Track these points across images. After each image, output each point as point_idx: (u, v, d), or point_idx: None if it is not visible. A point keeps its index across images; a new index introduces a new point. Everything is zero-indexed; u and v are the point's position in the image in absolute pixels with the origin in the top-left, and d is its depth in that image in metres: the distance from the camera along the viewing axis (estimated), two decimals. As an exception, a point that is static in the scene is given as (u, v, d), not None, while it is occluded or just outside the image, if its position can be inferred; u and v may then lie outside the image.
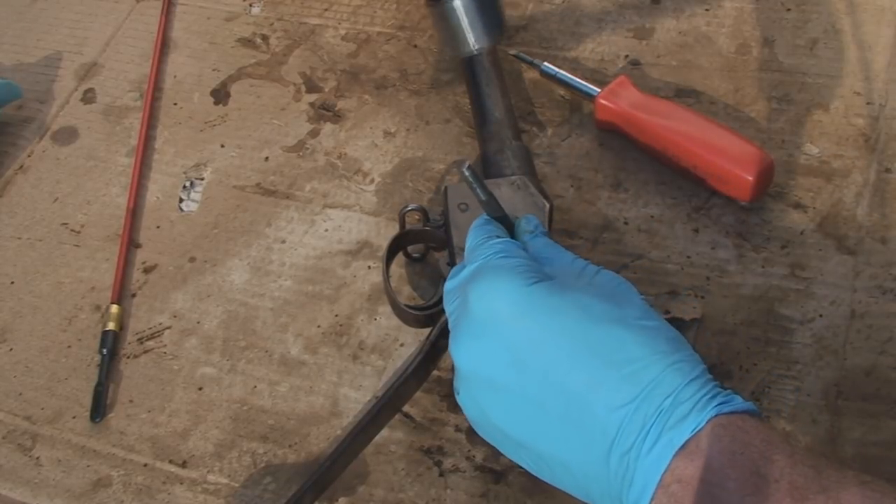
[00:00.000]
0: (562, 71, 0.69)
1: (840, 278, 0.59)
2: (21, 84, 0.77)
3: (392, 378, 0.59)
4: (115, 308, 0.64)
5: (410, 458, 0.56)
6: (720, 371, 0.56)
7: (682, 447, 0.39)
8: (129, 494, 0.57)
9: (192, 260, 0.67)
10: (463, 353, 0.46)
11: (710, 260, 0.61)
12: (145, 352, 0.63)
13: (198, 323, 0.64)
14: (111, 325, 0.63)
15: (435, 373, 0.58)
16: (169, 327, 0.64)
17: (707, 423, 0.39)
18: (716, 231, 0.62)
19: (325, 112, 0.74)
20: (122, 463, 0.58)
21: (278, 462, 0.57)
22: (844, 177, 0.63)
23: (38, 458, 0.59)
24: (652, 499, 0.39)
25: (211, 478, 0.57)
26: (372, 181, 0.69)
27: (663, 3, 0.75)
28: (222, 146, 0.73)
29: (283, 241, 0.67)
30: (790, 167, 0.64)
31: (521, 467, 0.47)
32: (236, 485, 0.57)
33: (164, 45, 0.81)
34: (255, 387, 0.60)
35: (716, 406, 0.40)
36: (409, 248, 0.63)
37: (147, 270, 0.67)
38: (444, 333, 0.54)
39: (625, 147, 0.67)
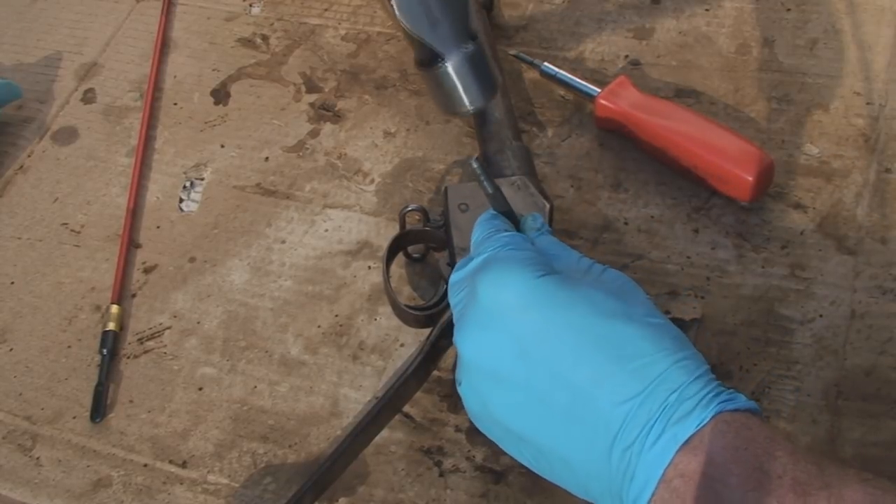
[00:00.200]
0: (562, 71, 0.69)
1: (840, 278, 0.59)
2: (21, 84, 0.77)
3: (392, 378, 0.59)
4: (115, 308, 0.64)
5: (410, 458, 0.56)
6: (720, 371, 0.56)
7: (686, 443, 0.39)
8: (129, 495, 0.57)
9: (192, 260, 0.67)
10: (468, 342, 0.46)
11: (710, 260, 0.61)
12: (145, 352, 0.63)
13: (198, 323, 0.64)
14: (111, 326, 0.63)
15: (435, 373, 0.58)
16: (169, 327, 0.64)
17: (711, 419, 0.39)
18: (716, 231, 0.62)
19: (325, 112, 0.74)
20: (122, 463, 0.58)
21: (278, 462, 0.57)
22: (844, 177, 0.63)
23: (38, 458, 0.59)
24: (653, 494, 0.39)
25: (211, 478, 0.57)
26: (372, 181, 0.69)
27: (663, 3, 0.75)
28: (222, 146, 0.73)
29: (283, 242, 0.67)
30: (790, 167, 0.64)
31: (521, 467, 0.47)
32: (236, 485, 0.57)
33: (164, 45, 0.81)
34: (256, 387, 0.60)
35: (720, 403, 0.40)
36: (410, 249, 0.63)
37: (147, 270, 0.67)
38: (445, 334, 0.54)
39: (625, 147, 0.67)
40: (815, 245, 0.60)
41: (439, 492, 0.54)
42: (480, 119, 0.65)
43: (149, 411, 0.60)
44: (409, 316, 0.57)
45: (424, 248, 0.64)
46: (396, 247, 0.61)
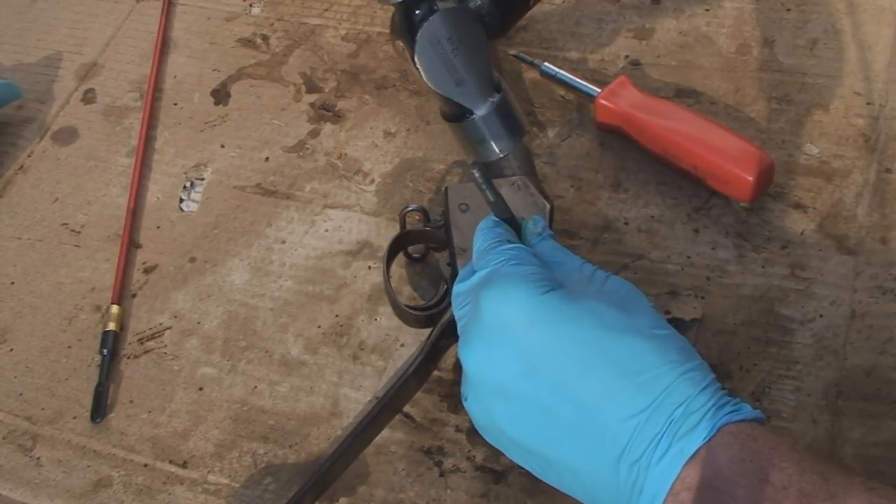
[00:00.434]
0: (562, 71, 0.69)
1: (840, 278, 0.59)
2: (21, 84, 0.77)
3: (392, 378, 0.59)
4: (115, 308, 0.64)
5: (411, 458, 0.56)
6: (720, 371, 0.56)
7: (692, 456, 0.39)
8: (129, 495, 0.57)
9: (193, 260, 0.67)
10: (474, 359, 0.46)
11: (711, 260, 0.61)
12: (146, 352, 0.63)
13: (198, 323, 0.64)
14: (111, 326, 0.63)
15: (435, 373, 0.58)
16: (169, 327, 0.64)
17: (717, 431, 0.40)
18: (716, 231, 0.62)
19: (326, 112, 0.74)
20: (122, 463, 0.58)
21: (279, 462, 0.57)
22: (844, 177, 0.63)
23: (38, 458, 0.59)
24: None
25: (211, 478, 0.57)
26: (372, 181, 0.69)
27: (663, 4, 0.75)
28: (222, 146, 0.73)
29: (284, 242, 0.67)
30: (790, 167, 0.64)
31: (521, 467, 0.47)
32: (237, 485, 0.57)
33: (164, 46, 0.81)
34: (256, 387, 0.60)
35: (726, 415, 0.40)
36: (410, 249, 0.63)
37: (147, 271, 0.67)
38: (445, 334, 0.54)
39: (625, 147, 0.67)
40: (815, 245, 0.60)
41: (440, 492, 0.54)
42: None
43: (149, 411, 0.60)
44: (410, 316, 0.57)
45: (425, 248, 0.64)
46: (397, 247, 0.61)
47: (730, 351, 0.57)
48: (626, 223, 0.63)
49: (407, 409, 0.57)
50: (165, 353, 0.63)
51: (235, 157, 0.73)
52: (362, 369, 0.60)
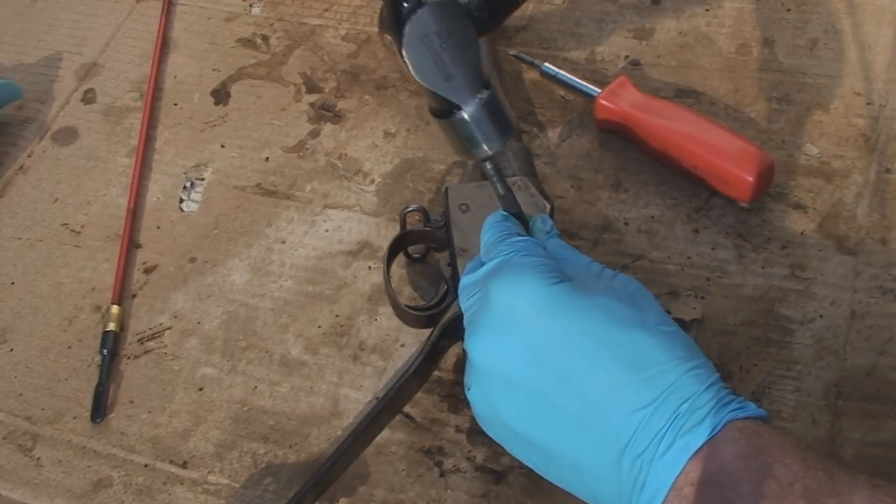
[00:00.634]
0: (562, 71, 0.69)
1: (840, 279, 0.59)
2: (21, 84, 0.77)
3: (393, 378, 0.59)
4: (115, 308, 0.64)
5: (411, 458, 0.56)
6: (721, 371, 0.55)
7: (697, 451, 0.39)
8: (129, 495, 0.57)
9: (193, 260, 0.67)
10: (480, 348, 0.46)
11: (711, 260, 0.61)
12: (146, 352, 0.63)
13: (198, 323, 0.64)
14: (112, 326, 0.63)
15: (436, 373, 0.58)
16: (169, 328, 0.64)
17: (722, 427, 0.40)
18: (716, 232, 0.62)
19: (326, 112, 0.74)
20: (122, 463, 0.58)
21: (279, 462, 0.57)
22: (844, 177, 0.63)
23: (38, 458, 0.59)
24: (664, 502, 0.39)
25: (211, 478, 0.57)
26: (372, 182, 0.69)
27: (663, 4, 0.75)
28: (222, 146, 0.73)
29: (284, 242, 0.67)
30: (790, 168, 0.64)
31: (522, 467, 0.47)
32: (237, 485, 0.57)
33: (164, 46, 0.81)
34: (256, 387, 0.60)
35: (731, 411, 0.40)
36: (410, 249, 0.63)
37: (147, 271, 0.67)
38: (445, 334, 0.54)
39: (625, 147, 0.67)
40: (815, 245, 0.60)
41: (440, 492, 0.54)
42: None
43: (149, 412, 0.60)
44: (410, 316, 0.57)
45: (425, 249, 0.64)
46: (397, 247, 0.61)
47: (730, 351, 0.57)
48: (626, 223, 0.63)
49: (407, 409, 0.57)
50: (165, 353, 0.63)
51: (235, 158, 0.73)
52: (362, 369, 0.60)
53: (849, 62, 0.69)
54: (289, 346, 0.62)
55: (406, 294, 0.63)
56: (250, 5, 0.83)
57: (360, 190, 0.69)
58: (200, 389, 0.61)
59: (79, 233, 0.70)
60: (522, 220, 0.52)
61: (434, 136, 0.71)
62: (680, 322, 0.58)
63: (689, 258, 0.61)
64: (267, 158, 0.72)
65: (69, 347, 0.64)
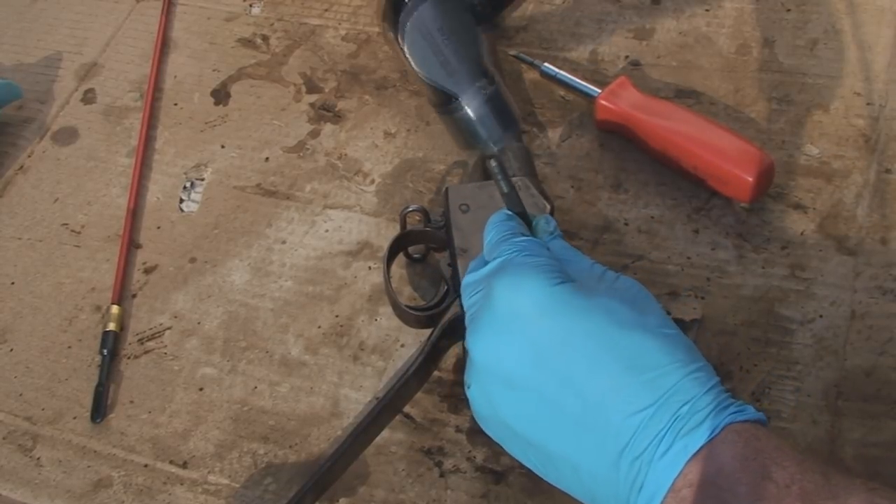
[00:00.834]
0: (562, 72, 0.69)
1: (840, 279, 0.59)
2: (21, 84, 0.77)
3: (393, 379, 0.59)
4: (115, 308, 0.64)
5: (411, 458, 0.56)
6: (721, 371, 0.56)
7: (696, 453, 0.39)
8: (129, 495, 0.57)
9: (193, 260, 0.67)
10: (481, 346, 0.46)
11: (711, 261, 0.61)
12: (146, 352, 0.63)
13: (198, 323, 0.64)
14: (112, 326, 0.63)
15: (436, 373, 0.58)
16: (169, 328, 0.64)
17: (721, 429, 0.40)
18: (716, 232, 0.62)
19: (326, 112, 0.74)
20: (122, 463, 0.58)
21: (279, 463, 0.57)
22: (844, 177, 0.63)
23: (38, 458, 0.59)
24: (662, 503, 0.39)
25: (211, 478, 0.57)
26: (372, 182, 0.69)
27: (663, 4, 0.75)
28: (223, 147, 0.73)
29: (284, 242, 0.67)
30: (790, 168, 0.64)
31: (522, 467, 0.47)
32: (237, 485, 0.57)
33: (164, 46, 0.81)
34: (256, 387, 0.60)
35: (730, 415, 0.40)
36: (410, 249, 0.63)
37: (147, 271, 0.67)
38: (445, 334, 0.54)
39: (625, 148, 0.67)
40: (815, 245, 0.60)
41: (440, 492, 0.54)
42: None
43: (149, 412, 0.60)
44: (410, 316, 0.57)
45: (425, 249, 0.64)
46: (397, 247, 0.61)
47: (730, 351, 0.57)
48: (626, 224, 0.63)
49: (407, 409, 0.57)
50: (165, 353, 0.63)
51: (235, 158, 0.73)
52: (362, 370, 0.60)
53: (849, 62, 0.69)
54: (289, 346, 0.62)
55: (406, 294, 0.63)
56: (250, 5, 0.83)
57: (360, 190, 0.69)
58: (200, 389, 0.61)
59: (79, 233, 0.70)
60: (526, 220, 0.52)
61: (434, 136, 0.71)
62: (680, 322, 0.58)
63: (689, 258, 0.61)
64: (267, 158, 0.72)
65: (69, 347, 0.64)
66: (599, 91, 0.66)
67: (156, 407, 0.61)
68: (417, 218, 0.61)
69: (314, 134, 0.73)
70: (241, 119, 0.75)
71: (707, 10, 0.74)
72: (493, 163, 0.50)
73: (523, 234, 0.50)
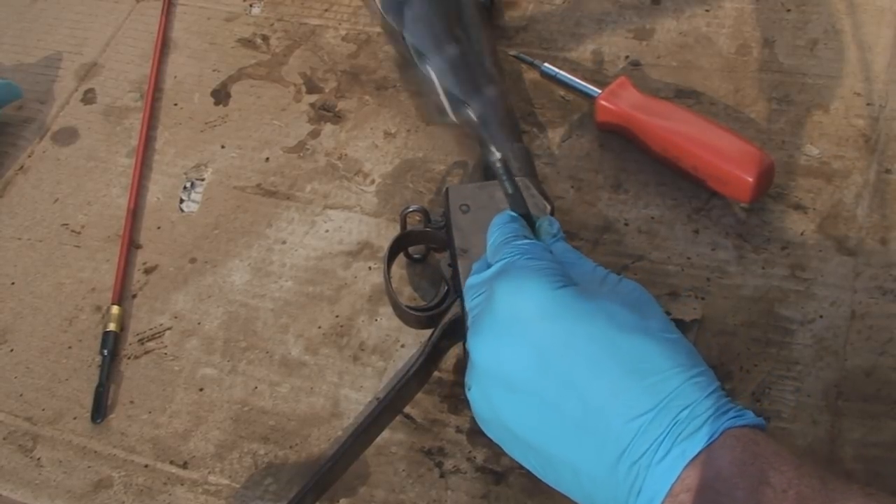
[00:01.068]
0: (562, 72, 0.69)
1: (840, 279, 0.59)
2: (21, 84, 0.77)
3: (393, 379, 0.59)
4: (115, 309, 0.64)
5: (411, 459, 0.56)
6: (720, 372, 0.56)
7: (694, 458, 0.39)
8: (129, 495, 0.57)
9: (193, 261, 0.67)
10: (482, 348, 0.46)
11: (711, 261, 0.61)
12: (146, 352, 0.63)
13: (198, 324, 0.64)
14: (112, 326, 0.63)
15: (436, 374, 0.58)
16: (170, 328, 0.64)
17: (720, 434, 0.40)
18: (716, 232, 0.62)
19: (326, 113, 0.74)
20: (122, 464, 0.59)
21: (279, 463, 0.57)
22: (844, 177, 0.63)
23: (38, 459, 0.59)
24: None
25: (212, 479, 0.57)
26: (372, 182, 0.69)
27: (663, 4, 0.75)
28: (223, 147, 0.73)
29: (284, 242, 0.67)
30: (790, 168, 0.64)
31: (522, 468, 0.48)
32: (237, 486, 0.57)
33: (164, 46, 0.81)
34: (256, 388, 0.61)
35: (729, 419, 0.40)
36: (410, 249, 0.63)
37: (148, 271, 0.67)
38: (446, 335, 0.54)
39: (625, 148, 0.67)
40: (815, 246, 0.60)
41: (440, 493, 0.54)
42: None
43: (149, 412, 0.60)
44: (411, 317, 0.57)
45: (425, 249, 0.64)
46: (397, 247, 0.61)
47: (730, 351, 0.57)
48: (627, 224, 0.63)
49: (407, 409, 0.57)
50: (166, 353, 0.63)
51: (235, 158, 0.73)
52: (363, 370, 0.60)
53: (849, 62, 0.69)
54: (289, 346, 0.62)
55: (406, 294, 0.63)
56: (250, 5, 0.83)
57: (360, 190, 0.69)
58: (201, 390, 0.61)
59: (79, 233, 0.70)
60: (529, 221, 0.52)
61: (434, 136, 0.71)
62: (680, 322, 0.58)
63: (689, 259, 0.61)
64: (267, 159, 0.72)
65: (69, 348, 0.64)
66: (599, 91, 0.66)
67: (156, 407, 0.61)
68: (417, 218, 0.61)
69: (314, 134, 0.73)
70: (241, 119, 0.75)
71: (707, 11, 0.74)
72: (498, 164, 0.50)
73: (526, 237, 0.50)
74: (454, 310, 0.54)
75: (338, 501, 0.55)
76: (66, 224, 0.71)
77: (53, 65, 0.81)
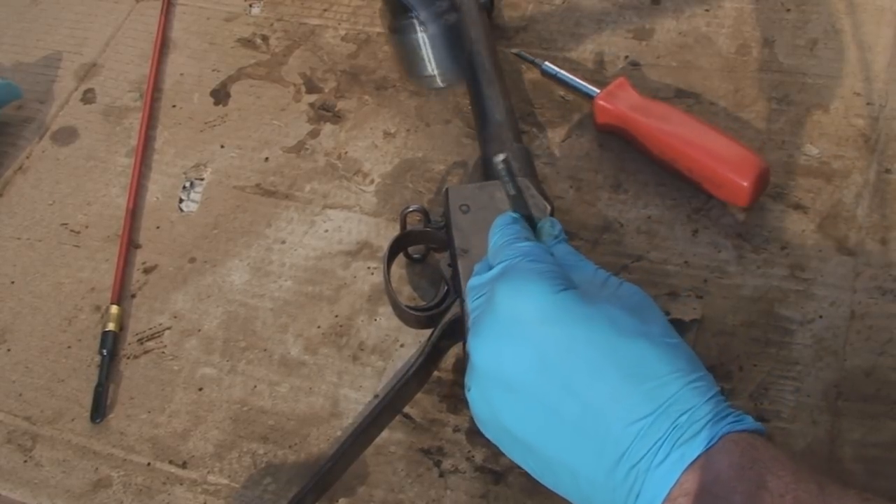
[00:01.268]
0: (562, 71, 0.69)
1: (840, 279, 0.59)
2: (21, 84, 0.77)
3: (392, 379, 0.59)
4: (114, 308, 0.64)
5: (410, 458, 0.56)
6: (720, 372, 0.56)
7: (693, 462, 0.39)
8: (129, 495, 0.57)
9: (192, 260, 0.67)
10: (482, 350, 0.46)
11: (710, 261, 0.61)
12: (145, 352, 0.63)
13: (198, 323, 0.64)
14: (111, 326, 0.63)
15: (435, 374, 0.58)
16: (169, 328, 0.64)
17: (719, 439, 0.40)
18: (715, 232, 0.62)
19: (325, 113, 0.74)
20: (122, 463, 0.58)
21: (278, 463, 0.57)
22: (844, 177, 0.63)
23: (38, 458, 0.59)
24: None
25: (211, 478, 0.57)
26: (372, 182, 0.69)
27: (663, 4, 0.75)
28: (222, 147, 0.73)
29: (283, 242, 0.67)
30: (790, 168, 0.64)
31: (521, 468, 0.47)
32: (236, 485, 0.57)
33: (163, 46, 0.81)
34: (255, 387, 0.60)
35: (728, 424, 0.40)
36: (410, 249, 0.63)
37: (147, 271, 0.67)
38: (445, 335, 0.54)
39: (624, 148, 0.67)
40: (814, 246, 0.60)
41: (439, 492, 0.54)
42: (481, 120, 0.65)
43: (149, 412, 0.60)
44: (410, 316, 0.57)
45: (425, 249, 0.64)
46: (397, 247, 0.61)
47: (729, 352, 0.57)
48: (626, 224, 0.63)
49: (407, 409, 0.57)
50: (165, 353, 0.63)
51: (235, 158, 0.73)
52: (362, 370, 0.60)
53: (849, 62, 0.69)
54: (288, 346, 0.62)
55: (406, 294, 0.63)
56: (250, 5, 0.83)
57: (359, 190, 0.69)
58: (200, 389, 0.61)
59: (78, 233, 0.70)
60: (531, 222, 0.52)
61: (434, 136, 0.71)
62: (679, 323, 0.58)
63: (688, 259, 0.61)
64: (266, 158, 0.72)
65: (69, 347, 0.64)
66: (598, 91, 0.66)
67: (155, 407, 0.61)
68: (417, 218, 0.61)
69: (314, 134, 0.73)
70: (241, 119, 0.75)
71: (707, 10, 0.74)
72: (500, 164, 0.50)
73: (528, 239, 0.50)
74: (454, 310, 0.54)
75: (337, 501, 0.55)
76: (66, 224, 0.71)
77: (53, 65, 0.81)
